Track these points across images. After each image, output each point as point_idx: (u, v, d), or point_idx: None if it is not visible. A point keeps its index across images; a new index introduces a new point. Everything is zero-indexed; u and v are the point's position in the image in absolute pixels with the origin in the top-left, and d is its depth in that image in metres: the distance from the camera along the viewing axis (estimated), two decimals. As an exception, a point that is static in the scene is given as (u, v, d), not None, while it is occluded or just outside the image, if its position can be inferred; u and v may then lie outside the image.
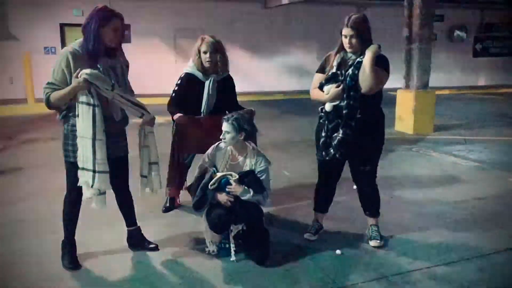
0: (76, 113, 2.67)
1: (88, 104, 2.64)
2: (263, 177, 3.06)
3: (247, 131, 3.04)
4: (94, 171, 2.68)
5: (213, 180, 3.00)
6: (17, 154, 6.32)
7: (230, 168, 3.08)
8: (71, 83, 2.63)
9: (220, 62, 3.63)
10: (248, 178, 3.00)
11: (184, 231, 3.55)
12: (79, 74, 2.60)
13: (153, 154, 3.04)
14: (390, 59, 3.08)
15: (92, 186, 2.71)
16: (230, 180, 2.99)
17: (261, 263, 2.99)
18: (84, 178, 2.71)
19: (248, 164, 3.08)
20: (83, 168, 2.70)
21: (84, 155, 2.68)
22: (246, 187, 2.98)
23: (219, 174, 3.04)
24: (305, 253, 3.15)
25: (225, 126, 3.01)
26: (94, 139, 2.66)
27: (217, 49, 3.60)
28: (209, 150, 3.18)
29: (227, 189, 2.99)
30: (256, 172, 3.05)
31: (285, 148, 6.49)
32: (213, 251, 3.12)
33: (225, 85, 3.73)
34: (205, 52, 3.58)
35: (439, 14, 14.71)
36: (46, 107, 2.72)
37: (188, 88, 3.66)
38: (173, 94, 3.72)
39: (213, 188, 3.00)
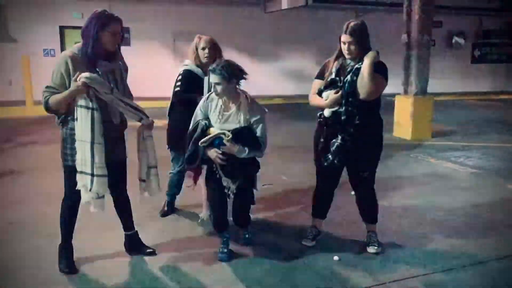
0: (75, 116, 2.67)
1: (87, 107, 2.65)
2: (259, 127, 2.98)
3: (237, 77, 2.92)
4: (92, 175, 2.68)
5: (205, 139, 2.92)
6: (15, 156, 6.31)
7: (223, 119, 2.98)
8: (70, 87, 2.63)
9: (218, 59, 3.66)
10: (243, 136, 2.89)
11: (181, 235, 3.54)
12: (78, 78, 2.60)
13: (152, 158, 3.04)
14: (388, 65, 3.09)
15: (90, 190, 2.70)
16: (224, 140, 2.89)
17: (241, 226, 3.22)
18: (82, 181, 2.71)
19: (242, 115, 2.96)
20: (81, 172, 2.70)
21: (83, 158, 2.68)
22: (241, 146, 2.90)
23: (212, 130, 2.94)
24: (303, 259, 3.15)
25: (214, 78, 2.87)
26: (92, 142, 2.66)
27: (215, 46, 3.63)
28: (201, 102, 3.10)
29: (221, 149, 2.90)
30: (251, 122, 2.96)
31: (283, 153, 6.48)
32: (206, 219, 3.29)
33: None
34: (203, 48, 3.61)
35: (438, 21, 14.76)
36: (45, 111, 2.72)
37: (188, 84, 3.65)
38: (177, 89, 3.65)
39: (204, 145, 2.94)
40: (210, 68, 2.93)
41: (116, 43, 2.79)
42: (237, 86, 2.98)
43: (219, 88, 2.90)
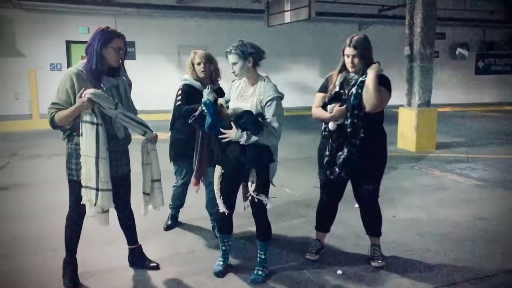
0: (80, 132, 2.71)
1: (91, 123, 2.69)
2: (271, 108, 2.80)
3: (253, 55, 2.83)
4: (97, 189, 2.71)
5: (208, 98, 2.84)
6: (20, 170, 6.35)
7: (240, 99, 2.92)
8: (75, 103, 2.68)
9: (215, 73, 3.72)
10: (243, 120, 2.76)
11: (185, 249, 3.54)
12: (83, 94, 2.64)
13: (156, 171, 3.06)
14: (391, 77, 3.13)
15: (95, 204, 2.72)
16: (205, 92, 2.84)
17: (261, 234, 3.08)
18: (87, 196, 2.73)
19: (256, 96, 2.86)
20: (86, 187, 2.72)
21: (88, 173, 2.71)
22: (239, 131, 2.76)
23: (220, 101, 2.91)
24: (307, 273, 3.14)
25: (230, 58, 2.85)
26: (97, 157, 2.69)
27: (210, 60, 3.69)
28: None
29: (224, 134, 2.83)
30: (265, 104, 2.81)
31: (286, 165, 6.47)
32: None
33: (219, 95, 3.77)
34: (199, 64, 3.68)
35: (441, 32, 14.84)
36: (51, 127, 2.76)
37: (188, 97, 3.68)
38: (178, 103, 3.67)
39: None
40: (227, 50, 2.90)
41: (120, 58, 2.84)
42: (257, 68, 2.91)
43: (236, 68, 2.85)
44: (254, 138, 2.76)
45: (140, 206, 3.09)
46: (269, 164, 2.92)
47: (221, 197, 3.04)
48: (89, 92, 2.64)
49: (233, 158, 2.84)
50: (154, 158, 3.04)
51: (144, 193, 3.07)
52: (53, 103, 2.72)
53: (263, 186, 2.95)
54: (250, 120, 2.75)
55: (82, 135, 2.70)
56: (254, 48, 2.86)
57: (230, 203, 3.06)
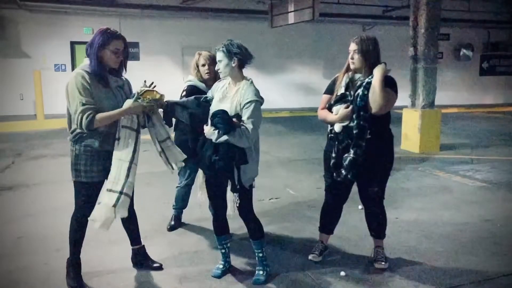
0: (117, 136, 2.75)
1: (131, 129, 2.77)
2: (248, 111, 2.79)
3: (238, 55, 2.85)
4: (121, 193, 2.72)
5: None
6: (25, 170, 6.39)
7: (222, 99, 2.93)
8: (94, 99, 2.69)
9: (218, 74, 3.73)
10: (216, 118, 2.76)
11: (188, 250, 3.55)
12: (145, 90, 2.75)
13: (163, 132, 3.02)
14: (395, 78, 3.11)
15: (114, 206, 2.70)
16: (140, 90, 2.89)
17: (255, 238, 3.06)
18: (106, 199, 2.72)
19: (237, 98, 2.86)
20: (111, 190, 2.72)
21: (117, 177, 2.73)
22: (212, 128, 2.78)
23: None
24: (310, 275, 3.14)
25: (217, 56, 2.91)
26: (131, 162, 2.75)
27: (214, 62, 3.68)
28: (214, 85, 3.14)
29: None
30: (243, 106, 2.82)
31: (290, 166, 6.49)
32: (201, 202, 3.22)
33: None
34: (203, 65, 3.70)
35: (445, 33, 14.80)
36: (84, 129, 2.67)
37: None
38: None
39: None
40: (216, 47, 2.92)
41: (119, 60, 2.84)
42: (242, 70, 2.93)
43: (220, 65, 2.88)
44: (224, 137, 2.76)
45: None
46: (240, 165, 2.87)
47: (204, 193, 3.11)
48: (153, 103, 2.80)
49: (207, 156, 2.87)
50: (157, 119, 2.99)
51: (158, 152, 3.04)
52: (83, 104, 2.65)
53: (235, 187, 2.93)
54: (222, 119, 2.75)
55: (119, 139, 2.75)
56: (240, 49, 2.87)
57: (218, 204, 3.08)
